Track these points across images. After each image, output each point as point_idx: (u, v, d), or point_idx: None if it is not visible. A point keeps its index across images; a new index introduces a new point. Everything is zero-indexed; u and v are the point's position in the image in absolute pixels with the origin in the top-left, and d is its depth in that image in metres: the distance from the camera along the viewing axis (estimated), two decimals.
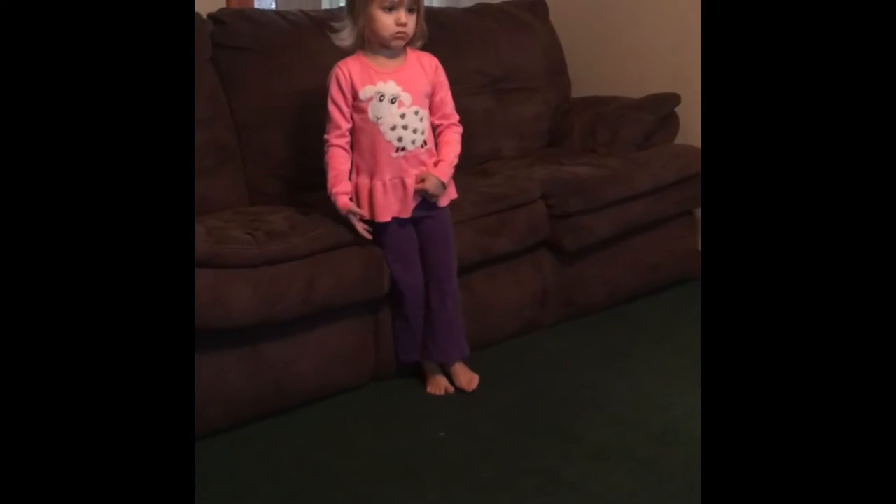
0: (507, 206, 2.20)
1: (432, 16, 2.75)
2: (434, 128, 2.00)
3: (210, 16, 2.36)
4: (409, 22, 1.86)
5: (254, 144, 2.31)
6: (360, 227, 1.93)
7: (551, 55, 2.97)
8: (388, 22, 1.85)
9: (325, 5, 3.68)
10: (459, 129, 2.03)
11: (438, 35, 2.73)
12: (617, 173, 2.43)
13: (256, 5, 3.00)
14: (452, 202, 2.04)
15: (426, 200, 1.96)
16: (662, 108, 2.70)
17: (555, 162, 2.55)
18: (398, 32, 1.86)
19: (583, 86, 3.03)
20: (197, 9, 2.26)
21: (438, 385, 2.05)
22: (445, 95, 2.00)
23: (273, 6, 3.52)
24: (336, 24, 1.94)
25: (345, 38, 1.91)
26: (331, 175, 1.93)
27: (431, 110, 1.99)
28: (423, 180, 1.93)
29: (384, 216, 1.93)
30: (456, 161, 1.99)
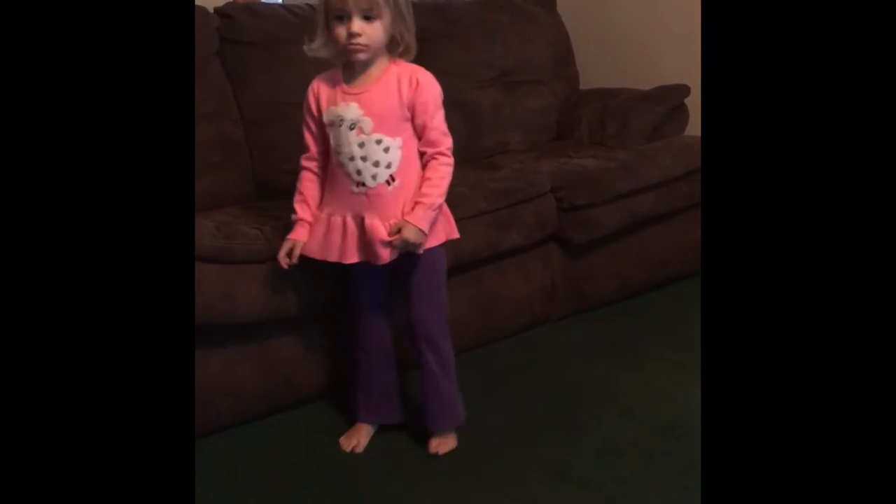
0: (516, 201, 2.18)
1: (439, 9, 2.76)
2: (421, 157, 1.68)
3: (216, 10, 2.37)
4: (368, 31, 1.55)
5: (261, 139, 2.31)
6: (282, 256, 1.70)
7: (559, 47, 2.96)
8: (340, 32, 1.56)
9: None
10: (447, 159, 1.66)
11: (445, 28, 2.73)
12: (625, 166, 2.42)
13: None
14: (457, 215, 1.77)
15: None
16: (671, 99, 2.69)
17: (563, 155, 2.55)
18: (351, 45, 1.57)
19: (591, 78, 3.02)
20: (203, 3, 2.26)
21: (351, 438, 1.83)
22: (428, 119, 1.63)
23: (279, 0, 3.51)
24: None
25: (316, 48, 1.62)
26: (295, 200, 1.73)
27: (417, 136, 1.67)
28: (398, 231, 1.62)
29: (339, 257, 1.67)
30: (439, 200, 1.65)
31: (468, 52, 2.72)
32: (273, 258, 1.80)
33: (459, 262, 2.04)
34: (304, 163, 1.74)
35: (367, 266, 1.67)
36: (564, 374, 2.09)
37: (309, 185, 1.73)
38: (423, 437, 1.80)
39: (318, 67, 2.32)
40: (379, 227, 1.63)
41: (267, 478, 1.70)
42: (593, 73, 3.02)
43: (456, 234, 1.75)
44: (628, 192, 2.38)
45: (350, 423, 1.86)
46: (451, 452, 1.77)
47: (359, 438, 1.81)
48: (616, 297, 2.51)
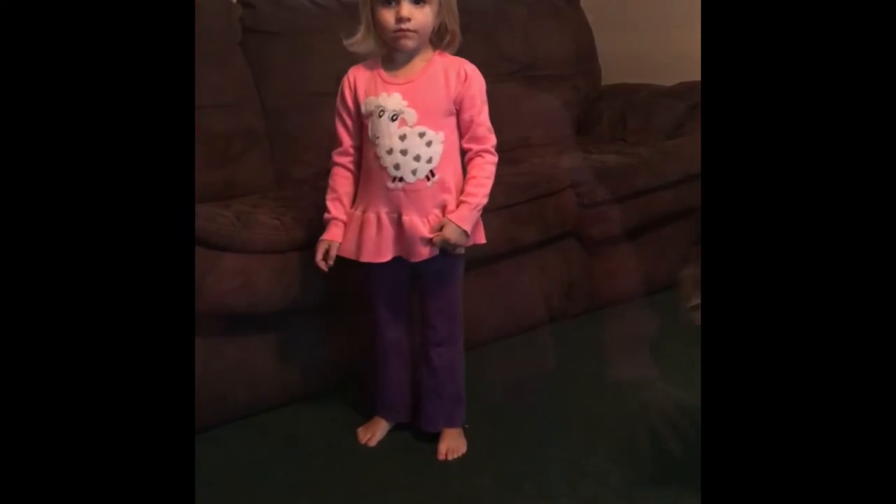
0: (535, 196, 2.18)
1: (460, 1, 2.75)
2: (464, 153, 1.63)
3: (239, 0, 2.37)
4: (417, 16, 1.51)
5: (282, 130, 2.32)
6: (319, 259, 1.64)
7: (581, 41, 2.95)
8: (388, 17, 1.51)
9: None
10: (493, 157, 1.62)
11: (466, 21, 2.72)
12: (646, 162, 2.41)
13: None
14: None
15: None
16: (694, 95, 2.67)
17: (583, 150, 2.53)
18: (399, 30, 1.52)
19: (613, 73, 3.00)
20: None
21: (367, 430, 1.81)
22: (476, 114, 1.60)
23: None
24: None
25: (357, 42, 1.58)
26: (328, 198, 1.66)
27: (460, 131, 1.62)
28: (440, 228, 1.57)
29: (374, 256, 1.61)
30: (484, 201, 1.61)
31: (489, 45, 2.71)
32: (292, 248, 1.81)
33: (477, 256, 2.02)
34: (337, 158, 1.67)
35: (390, 265, 1.62)
36: (581, 371, 2.09)
37: (342, 181, 1.66)
38: (437, 434, 1.78)
39: (339, 58, 2.33)
40: (418, 224, 1.57)
41: (283, 468, 1.71)
42: (616, 69, 3.01)
43: (483, 240, 1.68)
44: (648, 188, 2.37)
45: (366, 413, 1.86)
46: (466, 447, 1.76)
47: (374, 432, 1.81)
48: (634, 294, 2.49)
